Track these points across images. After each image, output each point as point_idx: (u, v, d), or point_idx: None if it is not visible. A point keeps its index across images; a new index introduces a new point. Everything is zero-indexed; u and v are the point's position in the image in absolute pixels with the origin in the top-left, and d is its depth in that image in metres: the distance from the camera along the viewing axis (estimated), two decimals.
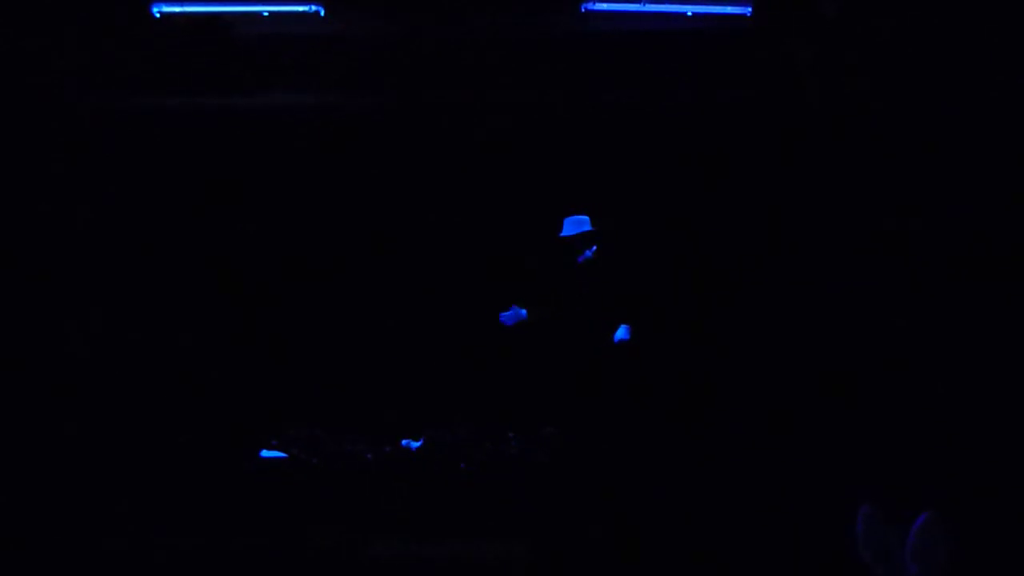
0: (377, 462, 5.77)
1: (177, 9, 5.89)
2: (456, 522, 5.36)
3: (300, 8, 5.90)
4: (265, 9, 5.91)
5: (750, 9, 5.95)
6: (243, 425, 5.93)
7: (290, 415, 6.09)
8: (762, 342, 5.98)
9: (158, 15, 5.89)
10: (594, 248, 5.66)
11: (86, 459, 5.63)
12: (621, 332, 5.63)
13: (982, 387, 5.46)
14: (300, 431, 5.99)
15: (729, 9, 5.97)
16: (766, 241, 6.17)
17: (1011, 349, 5.51)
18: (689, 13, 5.97)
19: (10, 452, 5.45)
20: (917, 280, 5.81)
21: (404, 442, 5.90)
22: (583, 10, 5.98)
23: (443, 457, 5.81)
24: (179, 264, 6.13)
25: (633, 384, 5.84)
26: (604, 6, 5.98)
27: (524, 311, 5.68)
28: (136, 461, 5.64)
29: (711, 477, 5.48)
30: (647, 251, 6.15)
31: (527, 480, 5.62)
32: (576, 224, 5.65)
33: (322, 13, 5.90)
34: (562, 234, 5.66)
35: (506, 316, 5.66)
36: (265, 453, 5.75)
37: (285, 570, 5.09)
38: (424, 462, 5.80)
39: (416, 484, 5.60)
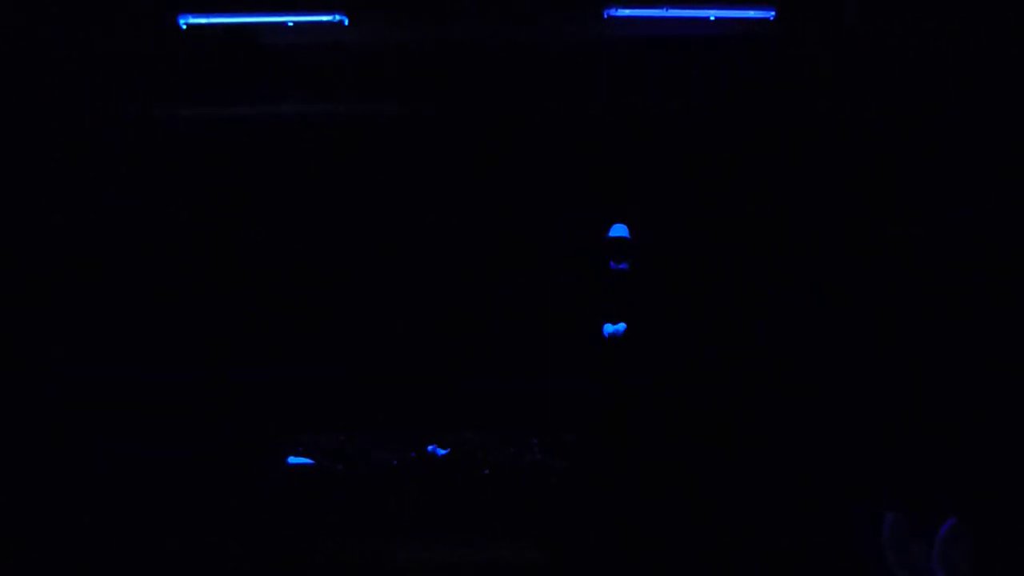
0: (402, 468, 5.81)
1: (203, 20, 5.94)
2: (479, 527, 5.38)
3: (324, 18, 5.94)
4: (290, 19, 5.95)
5: (773, 13, 5.92)
6: (270, 432, 5.99)
7: (316, 422, 6.14)
8: (786, 352, 5.96)
9: (184, 27, 5.95)
10: (626, 265, 5.70)
11: (113, 465, 5.72)
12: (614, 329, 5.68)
13: (1006, 395, 5.41)
14: (326, 438, 6.04)
15: (752, 13, 5.94)
16: (788, 244, 6.14)
17: None
18: (712, 18, 5.95)
19: (35, 459, 5.55)
20: (945, 288, 5.76)
21: (431, 448, 5.94)
22: (606, 16, 5.97)
23: (467, 463, 5.84)
24: (206, 270, 6.20)
25: (655, 392, 5.84)
26: (627, 12, 5.97)
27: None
28: (164, 467, 5.72)
29: (732, 486, 5.47)
30: (673, 254, 6.15)
31: (549, 486, 5.64)
32: (619, 231, 5.74)
33: (346, 22, 5.93)
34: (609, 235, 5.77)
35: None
36: (292, 459, 5.80)
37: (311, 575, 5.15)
38: (448, 468, 5.83)
39: (440, 490, 5.63)
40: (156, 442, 5.88)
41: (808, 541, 4.95)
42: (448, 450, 5.93)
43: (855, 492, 5.13)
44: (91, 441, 5.77)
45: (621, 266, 5.69)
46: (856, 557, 4.64)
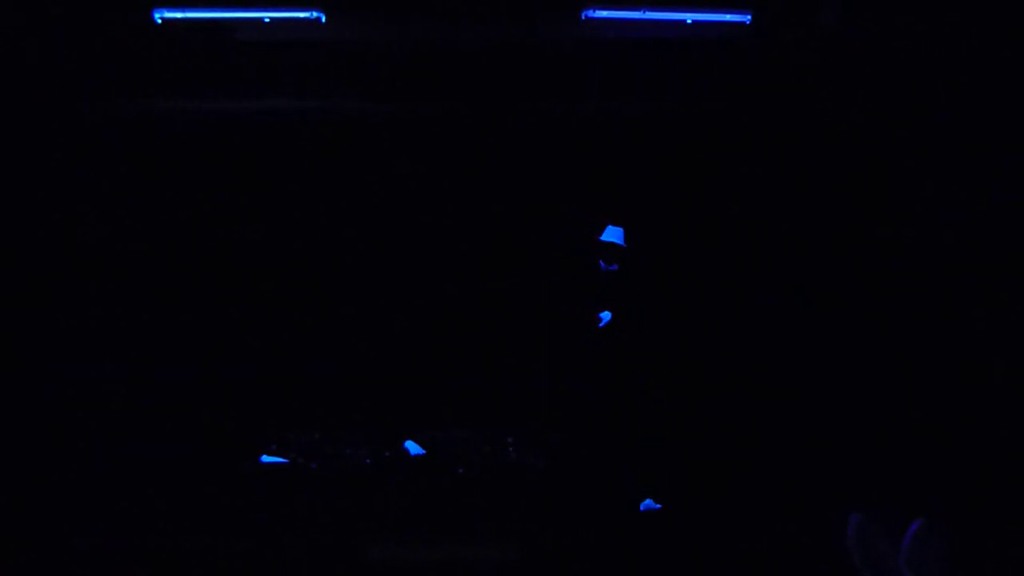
0: (376, 467, 5.81)
1: (178, 15, 5.88)
2: (454, 526, 5.40)
3: (301, 14, 5.89)
4: (266, 15, 5.90)
5: (749, 17, 5.96)
6: (243, 430, 5.97)
7: (289, 420, 6.13)
8: (757, 350, 6.02)
9: (159, 20, 5.88)
10: (616, 266, 5.77)
11: (87, 462, 5.67)
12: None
13: (975, 393, 5.49)
14: (299, 436, 6.03)
15: (728, 17, 5.98)
16: (764, 247, 6.20)
17: (1003, 355, 5.53)
18: (689, 21, 5.98)
19: (10, 454, 5.49)
20: (912, 287, 5.83)
21: (406, 443, 5.96)
22: (583, 17, 5.98)
23: (442, 461, 5.85)
24: (180, 269, 6.16)
25: (632, 390, 5.89)
26: (604, 13, 5.98)
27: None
28: (136, 465, 5.68)
29: (705, 484, 5.53)
30: (647, 257, 6.18)
31: (525, 485, 5.67)
32: (613, 235, 5.78)
33: (323, 19, 5.90)
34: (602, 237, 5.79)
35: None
36: (265, 458, 5.79)
37: (284, 574, 5.14)
38: (423, 466, 5.84)
39: (415, 488, 5.64)
40: (128, 440, 5.85)
41: (775, 540, 5.02)
42: (422, 450, 5.95)
43: (822, 492, 5.20)
44: (71, 440, 5.72)
45: (612, 267, 5.78)
46: (824, 557, 4.70)
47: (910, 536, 4.31)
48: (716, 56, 6.10)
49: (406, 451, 5.93)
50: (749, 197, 6.20)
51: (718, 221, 6.20)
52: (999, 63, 5.63)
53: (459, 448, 5.94)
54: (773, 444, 5.78)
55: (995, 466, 5.15)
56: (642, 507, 5.53)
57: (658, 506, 5.51)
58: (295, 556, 5.18)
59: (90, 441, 5.77)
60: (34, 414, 5.65)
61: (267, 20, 5.92)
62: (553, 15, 6.11)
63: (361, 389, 6.23)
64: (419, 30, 6.09)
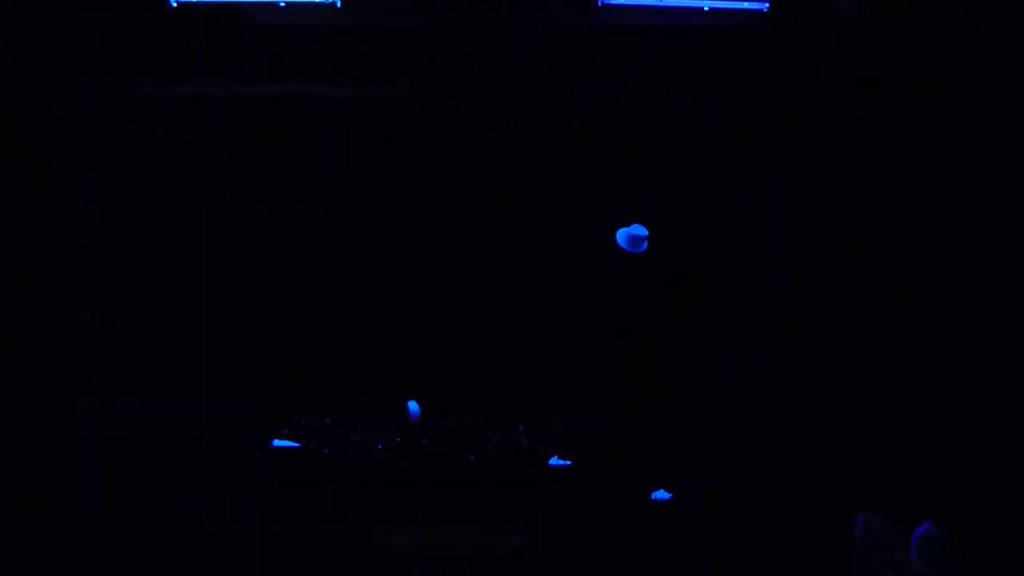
0: (387, 453, 5.83)
1: None
2: (464, 514, 5.43)
3: None
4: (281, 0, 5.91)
5: (767, 5, 5.92)
6: (255, 414, 5.99)
7: (301, 405, 6.15)
8: (766, 346, 5.99)
9: (175, 4, 5.89)
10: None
11: (97, 449, 5.72)
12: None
13: (982, 390, 5.45)
14: (311, 421, 6.06)
15: (746, 5, 5.93)
16: (779, 239, 6.16)
17: (1013, 353, 5.49)
18: (706, 8, 5.94)
19: (19, 443, 5.53)
20: (922, 283, 5.79)
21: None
22: (600, 4, 5.95)
23: (452, 449, 5.86)
24: (190, 253, 6.17)
25: (642, 381, 5.89)
26: (621, 0, 5.96)
27: None
28: (148, 451, 5.72)
29: (714, 481, 5.53)
30: (659, 247, 6.16)
31: (535, 473, 5.68)
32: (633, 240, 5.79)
33: (338, 4, 5.90)
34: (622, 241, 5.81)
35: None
36: (276, 442, 5.82)
37: (295, 559, 5.19)
38: (433, 453, 5.85)
39: (425, 475, 5.66)
40: (139, 426, 5.88)
41: (784, 537, 5.02)
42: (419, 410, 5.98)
43: (831, 490, 5.19)
44: (80, 427, 5.76)
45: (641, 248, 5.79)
46: (834, 554, 4.69)
47: (922, 532, 4.30)
48: (734, 44, 6.06)
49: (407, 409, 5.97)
50: (766, 186, 6.16)
51: (732, 211, 6.17)
52: (1016, 55, 5.57)
53: (469, 436, 5.95)
54: (781, 443, 5.76)
55: (1004, 463, 5.13)
56: (653, 497, 5.52)
57: (669, 496, 5.50)
58: (306, 541, 5.21)
59: (100, 428, 5.81)
60: (37, 406, 5.68)
61: (282, 4, 5.92)
62: (570, 2, 6.08)
63: (373, 375, 6.24)
64: (434, 17, 6.07)
